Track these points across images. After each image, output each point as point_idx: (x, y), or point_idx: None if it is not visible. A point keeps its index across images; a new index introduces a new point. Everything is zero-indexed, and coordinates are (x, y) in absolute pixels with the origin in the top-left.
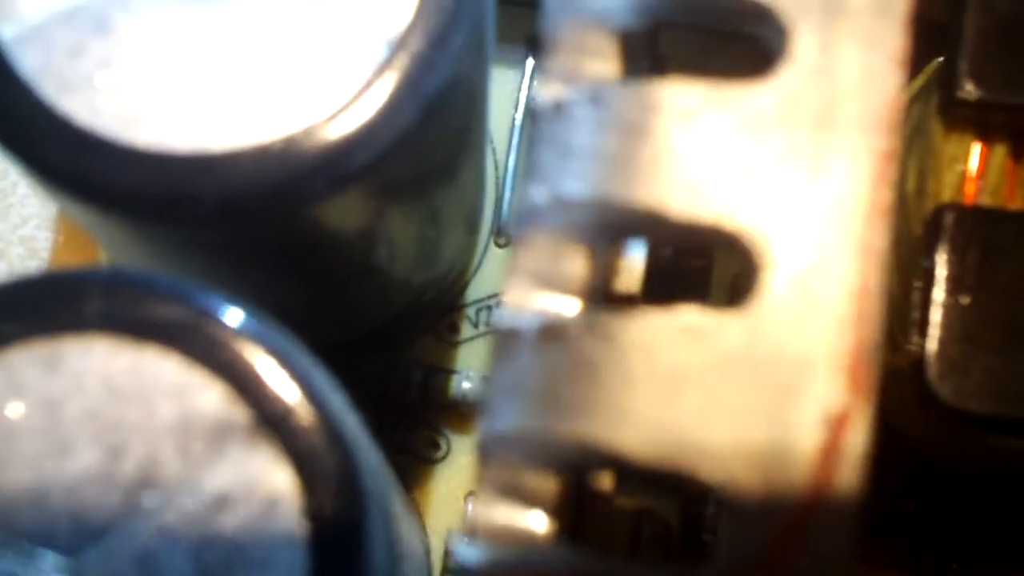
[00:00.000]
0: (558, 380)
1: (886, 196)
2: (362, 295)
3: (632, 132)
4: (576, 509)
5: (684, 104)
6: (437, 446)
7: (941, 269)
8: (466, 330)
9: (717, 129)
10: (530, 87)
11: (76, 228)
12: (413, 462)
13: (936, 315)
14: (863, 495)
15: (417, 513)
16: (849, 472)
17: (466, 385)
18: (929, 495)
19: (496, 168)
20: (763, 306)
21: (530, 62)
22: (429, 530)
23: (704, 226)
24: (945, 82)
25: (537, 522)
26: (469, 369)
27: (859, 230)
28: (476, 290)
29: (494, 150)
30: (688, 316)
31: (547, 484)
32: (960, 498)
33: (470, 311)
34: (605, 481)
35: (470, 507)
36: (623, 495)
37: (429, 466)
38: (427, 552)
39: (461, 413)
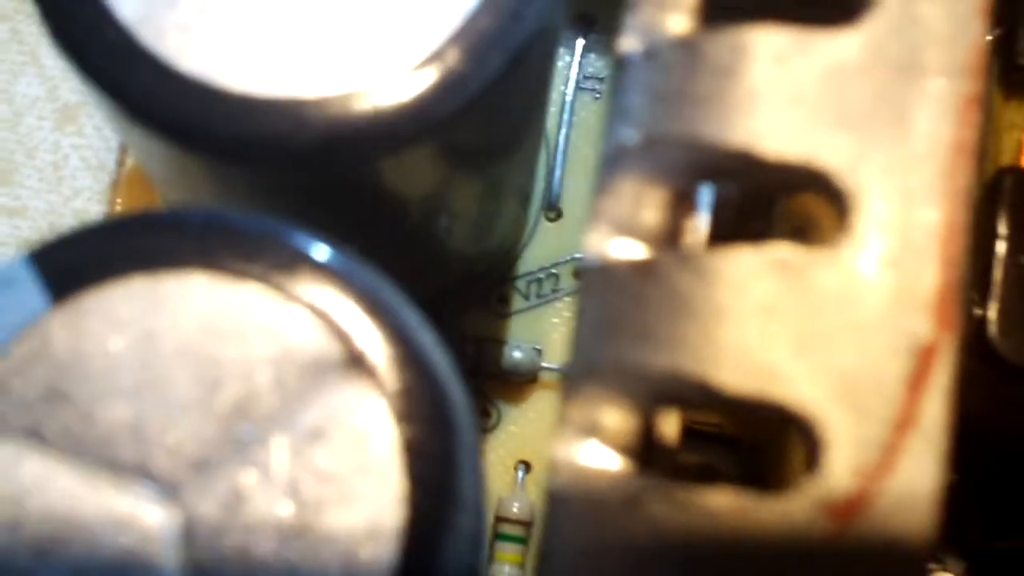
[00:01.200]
0: (648, 313)
1: (971, 138)
2: (421, 261)
3: (723, 75)
4: (646, 460)
5: (773, 48)
6: (488, 415)
7: (1002, 230)
8: (517, 302)
9: (806, 73)
10: (580, 66)
11: (130, 198)
12: None
13: (998, 275)
14: (953, 428)
15: None
16: (937, 404)
17: (517, 355)
18: (974, 468)
19: (547, 144)
20: (852, 243)
21: (580, 41)
22: None
23: (794, 165)
24: (1004, 50)
25: (614, 461)
26: (520, 340)
27: (945, 171)
28: (526, 263)
29: (544, 126)
30: (779, 252)
31: (625, 424)
32: (1007, 469)
33: (520, 283)
34: (671, 436)
35: (555, 443)
36: (687, 452)
37: (480, 435)
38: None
39: (511, 383)
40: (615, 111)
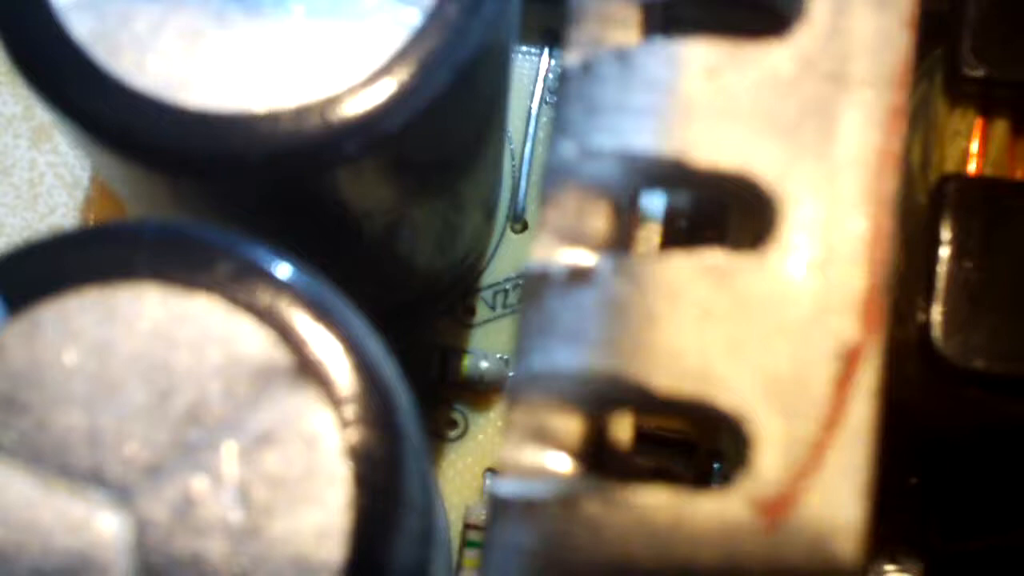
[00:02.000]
0: (586, 320)
1: (896, 147)
2: (385, 275)
3: (656, 88)
4: (597, 464)
5: (707, 61)
6: (455, 424)
7: (946, 235)
8: (483, 312)
9: (738, 84)
10: (546, 79)
11: (103, 214)
12: (431, 440)
13: (942, 279)
14: (878, 429)
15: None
16: (864, 404)
17: (483, 365)
18: (932, 469)
19: (513, 157)
20: (781, 249)
21: (545, 55)
22: (448, 506)
23: (726, 174)
24: (949, 60)
25: (562, 464)
26: (485, 350)
27: (871, 179)
28: (493, 274)
29: (511, 139)
30: (711, 257)
31: (572, 428)
32: (963, 471)
33: (487, 294)
34: (624, 438)
35: (502, 447)
36: (641, 455)
37: (447, 444)
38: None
39: (478, 392)
40: (556, 125)
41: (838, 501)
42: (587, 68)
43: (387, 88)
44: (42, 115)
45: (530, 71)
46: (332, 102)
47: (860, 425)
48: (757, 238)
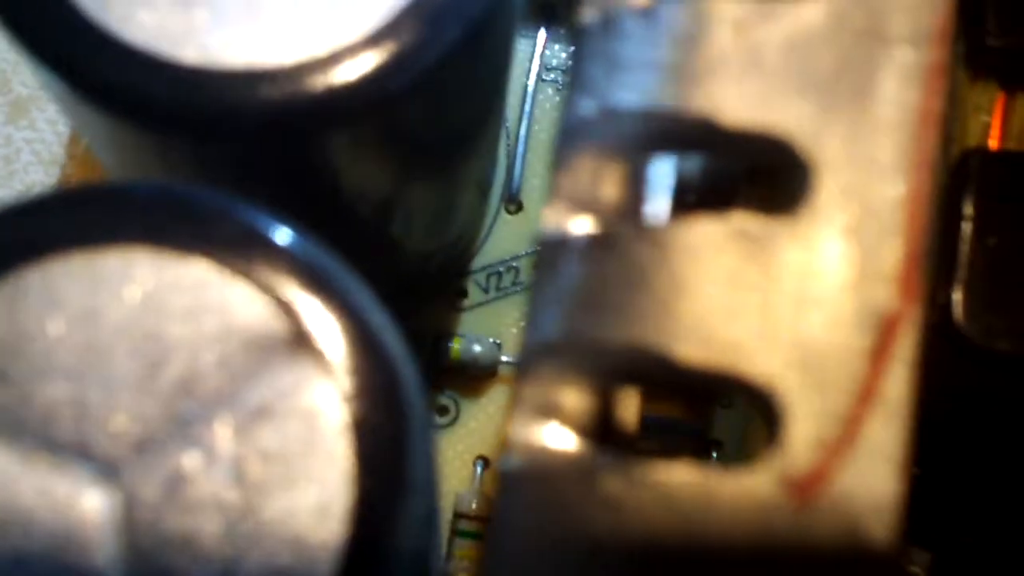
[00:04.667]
0: (607, 287)
1: (937, 107)
2: (376, 256)
3: (683, 43)
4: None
5: (734, 15)
6: (446, 410)
7: (968, 211)
8: (475, 295)
9: (768, 40)
10: (541, 57)
11: None
12: None
13: (964, 258)
14: (916, 402)
15: None
16: (900, 376)
17: (475, 349)
18: (941, 456)
19: (508, 136)
20: (814, 214)
21: (541, 32)
22: None
23: (755, 134)
24: (971, 31)
25: (573, 442)
26: (479, 334)
27: (910, 140)
28: (486, 256)
29: (506, 118)
30: (740, 222)
31: (583, 404)
32: (973, 458)
33: (479, 276)
34: (630, 422)
35: (509, 423)
36: (645, 440)
37: (438, 430)
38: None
39: (470, 377)
40: (574, 83)
41: (872, 479)
42: (608, 24)
43: (393, 44)
44: (19, 89)
45: (526, 48)
46: (335, 58)
47: (896, 399)
48: (788, 202)
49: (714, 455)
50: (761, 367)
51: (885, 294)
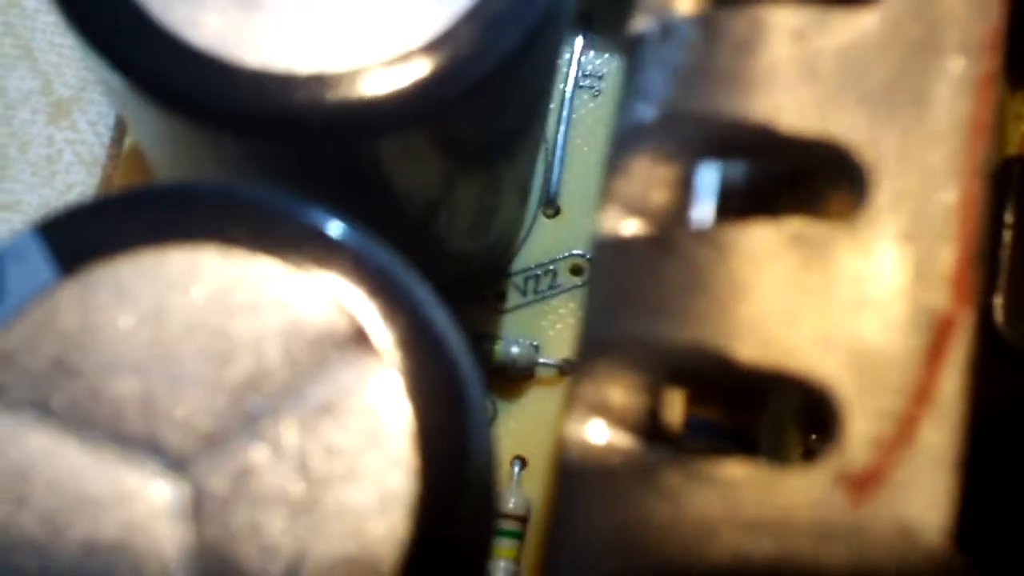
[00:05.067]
0: (665, 288)
1: (989, 117)
2: (419, 255)
3: (741, 51)
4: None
5: (791, 25)
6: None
7: (1009, 219)
8: (514, 298)
9: (824, 50)
10: (579, 63)
11: None
12: None
13: (1005, 264)
14: (971, 404)
15: None
16: (955, 378)
17: (514, 351)
18: (979, 460)
19: (545, 141)
20: (870, 218)
21: (579, 39)
22: None
23: (812, 140)
24: (1011, 41)
25: (627, 440)
26: (517, 336)
27: (963, 148)
28: (524, 259)
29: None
30: (797, 226)
31: (637, 403)
32: (1012, 463)
33: (518, 279)
34: (675, 422)
35: (565, 421)
36: (691, 439)
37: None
38: None
39: (508, 379)
40: (631, 90)
41: (927, 480)
42: (667, 32)
43: (452, 50)
44: (60, 90)
45: (564, 55)
46: (393, 65)
47: (952, 400)
48: (843, 207)
49: None
50: (818, 367)
51: (940, 297)
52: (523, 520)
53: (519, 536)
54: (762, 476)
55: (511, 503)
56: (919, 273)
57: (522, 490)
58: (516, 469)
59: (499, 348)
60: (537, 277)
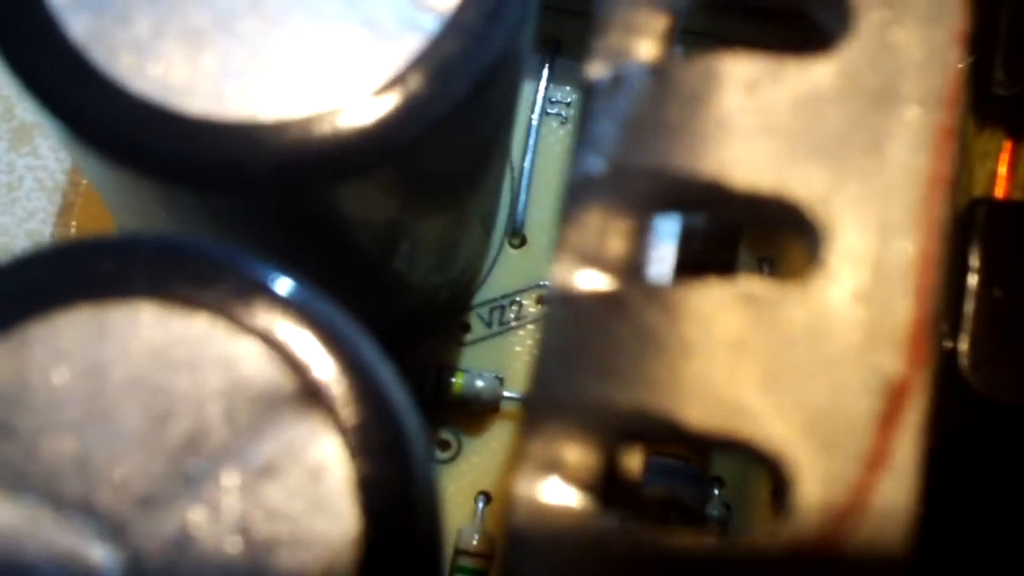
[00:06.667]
0: (614, 348)
1: (947, 170)
2: (381, 291)
3: (693, 103)
4: (608, 495)
5: (745, 76)
6: (447, 445)
7: (974, 261)
8: (478, 329)
9: (778, 101)
10: (545, 91)
11: (84, 220)
12: None
13: (969, 307)
14: (924, 469)
15: None
16: (909, 443)
17: (478, 384)
18: (946, 504)
19: (511, 170)
20: (823, 277)
21: (546, 66)
22: None
23: (765, 197)
24: (978, 79)
25: (577, 498)
26: (481, 368)
27: (920, 203)
28: (489, 290)
29: (510, 152)
30: (748, 285)
31: (588, 460)
32: (978, 506)
33: (482, 311)
34: (634, 468)
35: (514, 479)
36: (650, 485)
37: (439, 466)
38: None
39: (472, 412)
40: (582, 139)
41: (881, 546)
42: (618, 81)
43: (401, 97)
44: (22, 116)
45: (530, 82)
46: (343, 111)
47: (906, 466)
48: (796, 265)
49: (716, 493)
50: (769, 431)
51: (893, 360)
52: (487, 558)
53: (483, 574)
54: (712, 547)
55: (474, 540)
56: (872, 335)
57: (485, 526)
58: (480, 505)
59: (463, 381)
60: (502, 308)
